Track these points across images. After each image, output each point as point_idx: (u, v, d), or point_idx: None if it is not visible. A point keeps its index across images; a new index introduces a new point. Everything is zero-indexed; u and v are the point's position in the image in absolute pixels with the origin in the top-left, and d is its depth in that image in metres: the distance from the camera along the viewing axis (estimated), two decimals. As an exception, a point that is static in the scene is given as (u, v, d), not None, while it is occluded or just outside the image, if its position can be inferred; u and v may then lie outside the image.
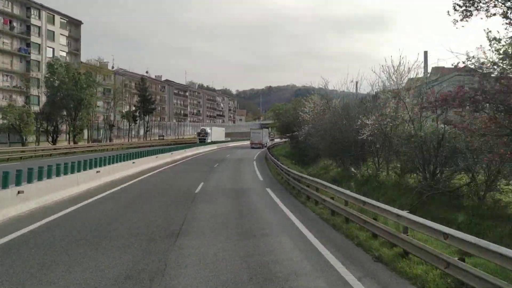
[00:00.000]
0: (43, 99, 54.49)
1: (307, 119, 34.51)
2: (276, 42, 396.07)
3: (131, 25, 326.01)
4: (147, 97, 75.08)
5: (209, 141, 66.52)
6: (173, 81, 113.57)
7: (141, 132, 78.41)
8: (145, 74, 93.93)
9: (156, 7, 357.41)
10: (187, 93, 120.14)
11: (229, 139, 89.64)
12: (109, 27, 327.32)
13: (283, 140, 57.95)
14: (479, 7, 10.89)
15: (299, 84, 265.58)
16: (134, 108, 74.45)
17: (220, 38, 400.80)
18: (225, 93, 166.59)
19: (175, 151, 37.65)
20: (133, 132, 75.76)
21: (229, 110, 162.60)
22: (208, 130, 73.04)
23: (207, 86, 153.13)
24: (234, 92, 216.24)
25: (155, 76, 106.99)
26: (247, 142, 72.11)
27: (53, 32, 61.10)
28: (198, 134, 72.36)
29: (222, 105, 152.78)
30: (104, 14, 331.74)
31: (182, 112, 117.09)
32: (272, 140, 60.13)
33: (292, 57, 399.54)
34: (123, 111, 71.33)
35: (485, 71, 10.52)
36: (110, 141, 65.88)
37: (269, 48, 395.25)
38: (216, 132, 77.90)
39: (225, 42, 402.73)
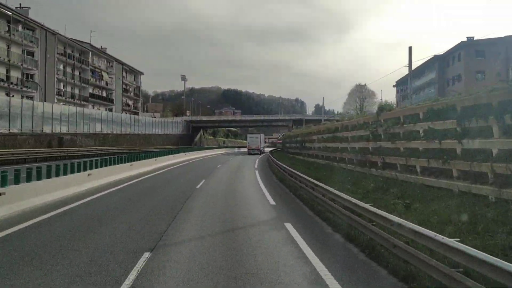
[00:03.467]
0: None
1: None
2: (196, 49, 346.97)
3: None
4: None
5: None
6: None
7: None
8: None
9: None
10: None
11: None
12: None
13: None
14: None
15: (225, 86, 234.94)
16: None
17: (136, 42, 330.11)
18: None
19: None
20: None
21: (127, 91, 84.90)
22: None
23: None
24: (151, 93, 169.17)
25: None
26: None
27: None
28: None
29: (107, 76, 74.79)
30: None
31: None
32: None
33: (212, 63, 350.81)
34: None
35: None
36: None
37: (189, 54, 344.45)
38: None
39: (142, 46, 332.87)
